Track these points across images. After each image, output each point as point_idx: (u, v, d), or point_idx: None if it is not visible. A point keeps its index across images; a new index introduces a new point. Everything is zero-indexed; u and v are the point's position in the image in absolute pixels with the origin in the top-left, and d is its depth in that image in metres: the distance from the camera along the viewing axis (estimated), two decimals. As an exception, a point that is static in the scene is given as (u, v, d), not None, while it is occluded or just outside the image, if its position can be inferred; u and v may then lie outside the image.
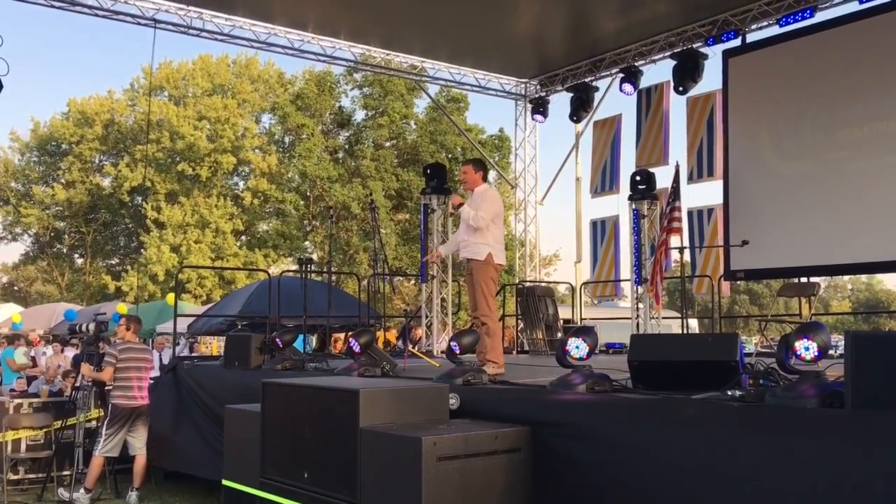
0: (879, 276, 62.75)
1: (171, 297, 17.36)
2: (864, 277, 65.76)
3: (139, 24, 11.73)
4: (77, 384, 8.88)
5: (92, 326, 8.81)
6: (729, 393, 4.10)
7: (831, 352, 4.43)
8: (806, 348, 3.91)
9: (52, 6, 11.15)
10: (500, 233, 6.77)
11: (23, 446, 8.84)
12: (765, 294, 52.97)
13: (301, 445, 4.83)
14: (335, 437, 4.54)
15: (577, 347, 4.98)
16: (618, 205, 13.33)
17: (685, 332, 9.35)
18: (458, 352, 5.82)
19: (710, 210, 11.79)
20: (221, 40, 12.54)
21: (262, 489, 5.12)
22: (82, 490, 8.02)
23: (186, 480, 8.65)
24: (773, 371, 4.26)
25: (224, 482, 5.78)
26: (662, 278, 9.94)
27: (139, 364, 8.27)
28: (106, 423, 8.20)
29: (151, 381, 8.82)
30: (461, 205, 6.66)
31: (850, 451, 3.15)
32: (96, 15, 11.48)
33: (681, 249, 8.51)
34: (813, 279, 9.85)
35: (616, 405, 4.47)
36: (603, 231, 13.69)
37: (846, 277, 65.33)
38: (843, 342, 3.85)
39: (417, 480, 3.95)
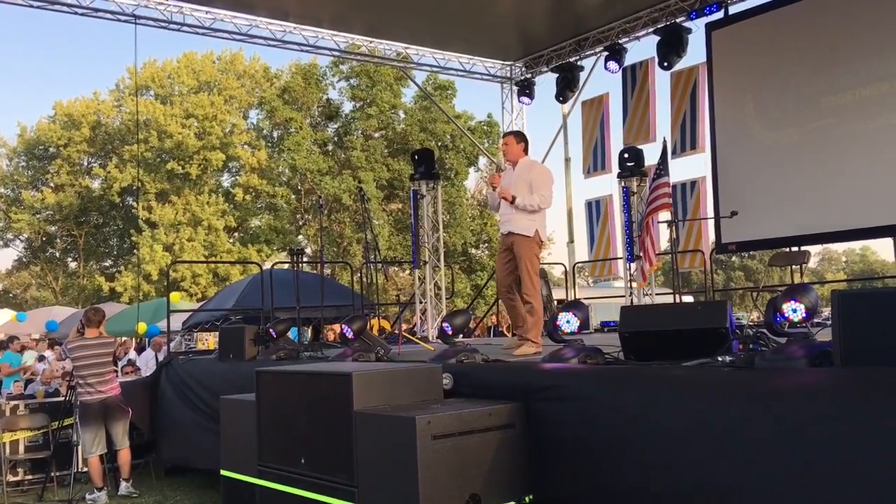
0: (873, 248, 63.15)
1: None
2: (857, 249, 66.13)
3: (119, 20, 11.63)
4: (72, 384, 8.86)
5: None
6: (719, 359, 4.11)
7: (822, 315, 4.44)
8: (794, 310, 3.92)
9: (31, 6, 11.05)
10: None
11: (21, 448, 8.85)
12: (759, 270, 53.10)
13: (297, 432, 4.83)
14: (330, 421, 4.54)
15: (567, 322, 5.00)
16: (611, 184, 13.33)
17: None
18: (450, 332, 5.82)
19: (693, 183, 11.76)
20: (203, 34, 12.45)
21: (261, 477, 5.13)
22: (95, 491, 8.03)
23: (187, 475, 8.67)
24: (762, 335, 4.27)
25: (222, 472, 5.79)
26: (656, 252, 9.89)
27: (93, 360, 8.14)
28: (80, 423, 8.21)
29: (143, 378, 8.80)
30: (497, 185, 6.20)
31: (838, 407, 3.17)
32: (75, 13, 11.38)
33: (669, 224, 8.48)
34: (804, 248, 9.86)
35: (606, 371, 4.49)
36: (598, 211, 13.65)
37: (840, 249, 65.70)
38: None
39: (413, 460, 3.96)
